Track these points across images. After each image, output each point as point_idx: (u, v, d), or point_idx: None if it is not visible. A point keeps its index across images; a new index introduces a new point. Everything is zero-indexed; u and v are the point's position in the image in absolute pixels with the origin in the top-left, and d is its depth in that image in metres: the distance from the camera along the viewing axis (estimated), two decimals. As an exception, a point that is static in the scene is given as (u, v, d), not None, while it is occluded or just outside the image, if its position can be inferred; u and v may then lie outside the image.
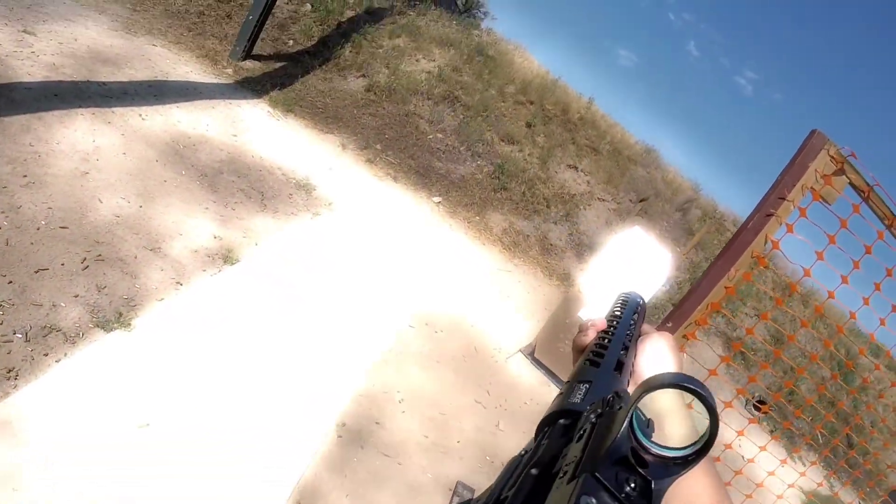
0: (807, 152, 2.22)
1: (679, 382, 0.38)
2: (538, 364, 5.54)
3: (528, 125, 9.83)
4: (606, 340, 0.67)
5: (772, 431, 7.94)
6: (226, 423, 3.03)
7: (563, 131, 10.24)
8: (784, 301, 10.26)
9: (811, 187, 2.25)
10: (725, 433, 3.02)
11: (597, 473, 0.34)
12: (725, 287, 2.35)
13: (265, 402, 3.31)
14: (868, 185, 2.32)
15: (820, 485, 4.79)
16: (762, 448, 3.49)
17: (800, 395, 8.61)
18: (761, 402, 8.45)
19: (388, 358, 4.35)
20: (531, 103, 10.28)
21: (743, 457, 3.58)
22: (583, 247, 8.65)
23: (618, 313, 0.76)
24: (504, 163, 8.84)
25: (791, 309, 10.25)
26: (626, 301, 0.81)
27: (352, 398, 3.75)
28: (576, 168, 9.84)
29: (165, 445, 2.72)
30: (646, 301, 0.87)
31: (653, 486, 0.36)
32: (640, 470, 0.36)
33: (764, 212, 2.25)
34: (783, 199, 2.21)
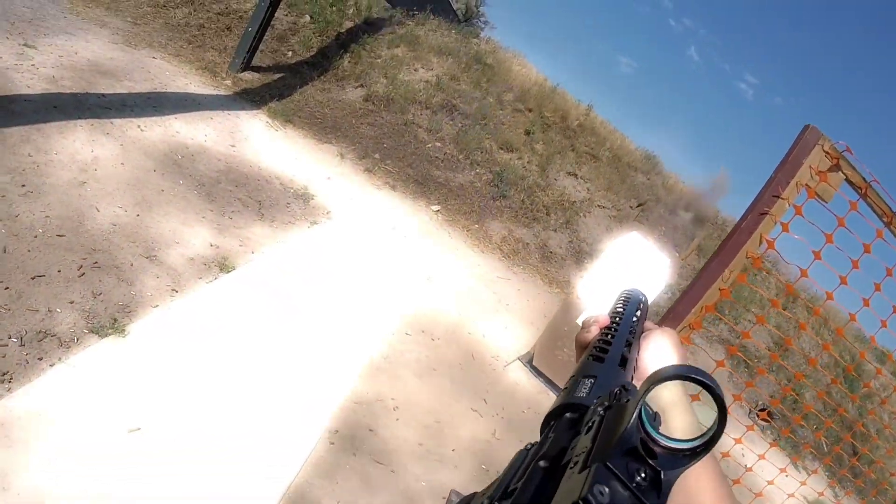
0: (800, 148, 2.16)
1: (686, 374, 0.38)
2: (536, 372, 5.53)
3: (527, 133, 9.87)
4: (610, 336, 0.67)
5: (775, 439, 7.90)
6: (217, 428, 3.04)
7: (563, 138, 10.27)
8: (785, 305, 10.26)
9: (806, 184, 2.20)
10: (723, 441, 3.01)
11: (608, 463, 0.35)
12: (720, 289, 2.31)
13: (257, 408, 3.31)
14: (865, 181, 2.27)
15: (821, 494, 4.72)
16: (761, 456, 3.47)
17: (802, 403, 8.56)
18: (763, 410, 8.40)
19: (383, 365, 4.35)
20: (530, 111, 10.33)
21: (745, 466, 3.56)
22: (583, 254, 8.65)
23: (620, 310, 0.77)
24: (503, 171, 8.87)
25: (793, 314, 10.23)
26: (629, 298, 0.81)
27: (345, 405, 3.75)
28: (575, 175, 9.87)
29: (155, 450, 2.73)
30: (648, 299, 0.86)
31: (662, 476, 0.36)
32: (649, 461, 0.37)
33: (758, 211, 2.21)
34: (777, 197, 2.17)
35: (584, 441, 0.40)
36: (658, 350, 0.74)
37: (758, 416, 8.20)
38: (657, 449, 0.38)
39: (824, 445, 8.69)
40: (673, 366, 0.39)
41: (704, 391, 0.39)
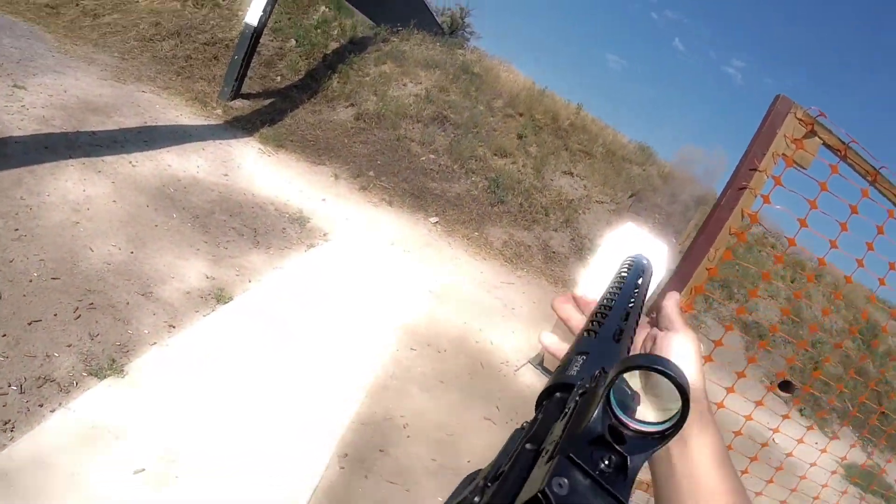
0: (773, 118, 2.16)
1: (649, 364, 0.39)
2: (548, 373, 5.46)
3: (520, 137, 9.89)
4: (607, 308, 0.65)
5: (802, 413, 7.78)
6: (223, 463, 3.00)
7: (555, 139, 10.27)
8: (794, 277, 10.22)
9: (783, 154, 2.19)
10: (742, 410, 2.91)
11: (571, 454, 0.35)
12: (707, 269, 2.29)
13: (262, 439, 3.28)
14: (843, 142, 2.25)
15: (843, 459, 4.58)
16: (786, 416, 3.36)
17: (821, 368, 8.45)
18: (786, 383, 8.30)
19: (390, 383, 4.31)
20: (520, 115, 10.36)
21: (772, 439, 3.46)
22: (585, 251, 8.63)
23: (623, 275, 0.74)
24: (498, 176, 8.88)
25: (801, 284, 10.18)
26: (632, 265, 0.78)
27: (353, 428, 3.71)
28: (571, 174, 9.87)
29: (161, 488, 2.70)
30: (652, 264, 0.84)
31: (629, 462, 0.37)
32: (616, 447, 0.37)
33: (736, 186, 2.20)
34: (755, 170, 2.16)
35: (557, 428, 0.41)
36: (679, 358, 0.69)
37: (779, 388, 8.11)
38: (627, 433, 0.38)
39: (849, 405, 8.58)
40: (639, 355, 0.40)
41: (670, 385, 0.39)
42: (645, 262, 0.81)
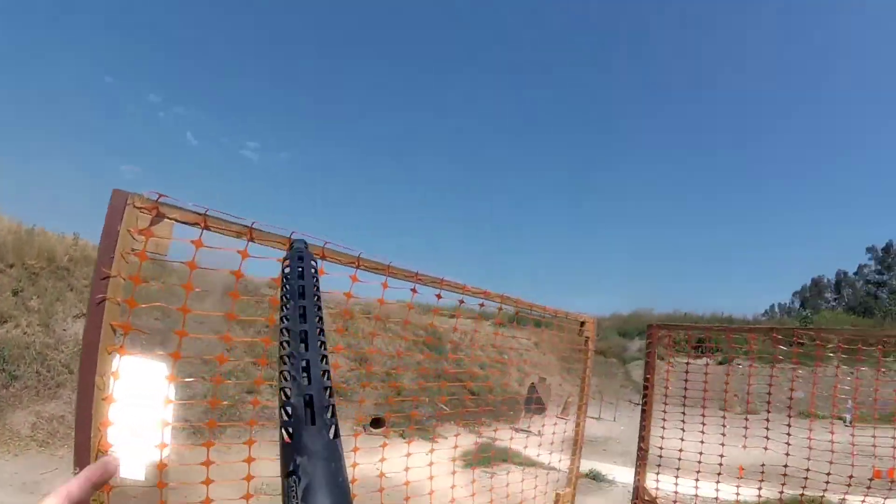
0: (111, 217, 1.99)
1: None
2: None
3: (15, 293, 9.17)
4: (286, 378, 0.54)
5: (402, 435, 8.67)
6: None
7: (57, 281, 9.82)
8: (347, 326, 11.38)
9: (132, 250, 2.03)
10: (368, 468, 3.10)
11: None
12: (104, 399, 1.99)
13: None
14: (200, 214, 2.19)
15: (457, 435, 4.87)
16: (383, 445, 3.28)
17: (405, 390, 9.33)
18: (376, 420, 9.31)
19: None
20: (11, 267, 9.57)
21: (384, 475, 3.28)
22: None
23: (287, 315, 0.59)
24: (1, 350, 8.16)
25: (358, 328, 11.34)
26: (289, 279, 0.63)
27: None
28: (84, 314, 9.52)
29: None
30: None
31: None
32: None
33: (94, 302, 1.97)
34: (107, 278, 1.96)
35: None
36: None
37: (372, 429, 9.09)
38: None
39: (446, 407, 9.92)
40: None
41: None
42: (302, 247, 0.68)
